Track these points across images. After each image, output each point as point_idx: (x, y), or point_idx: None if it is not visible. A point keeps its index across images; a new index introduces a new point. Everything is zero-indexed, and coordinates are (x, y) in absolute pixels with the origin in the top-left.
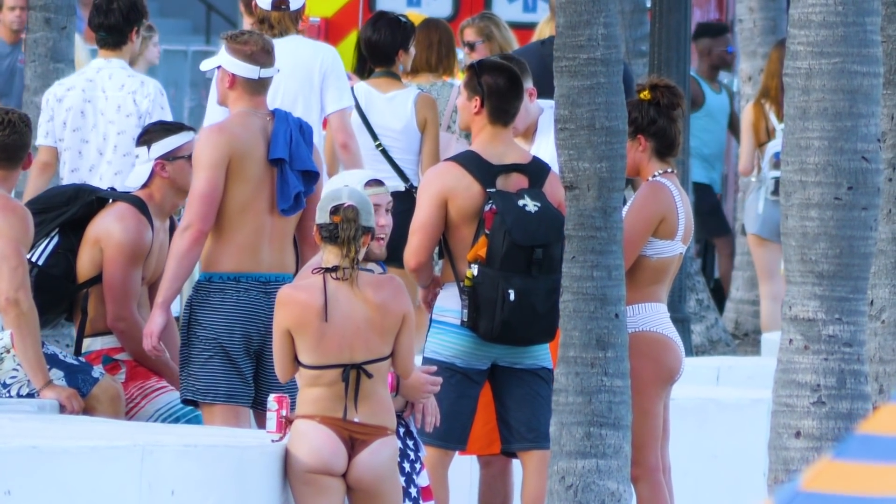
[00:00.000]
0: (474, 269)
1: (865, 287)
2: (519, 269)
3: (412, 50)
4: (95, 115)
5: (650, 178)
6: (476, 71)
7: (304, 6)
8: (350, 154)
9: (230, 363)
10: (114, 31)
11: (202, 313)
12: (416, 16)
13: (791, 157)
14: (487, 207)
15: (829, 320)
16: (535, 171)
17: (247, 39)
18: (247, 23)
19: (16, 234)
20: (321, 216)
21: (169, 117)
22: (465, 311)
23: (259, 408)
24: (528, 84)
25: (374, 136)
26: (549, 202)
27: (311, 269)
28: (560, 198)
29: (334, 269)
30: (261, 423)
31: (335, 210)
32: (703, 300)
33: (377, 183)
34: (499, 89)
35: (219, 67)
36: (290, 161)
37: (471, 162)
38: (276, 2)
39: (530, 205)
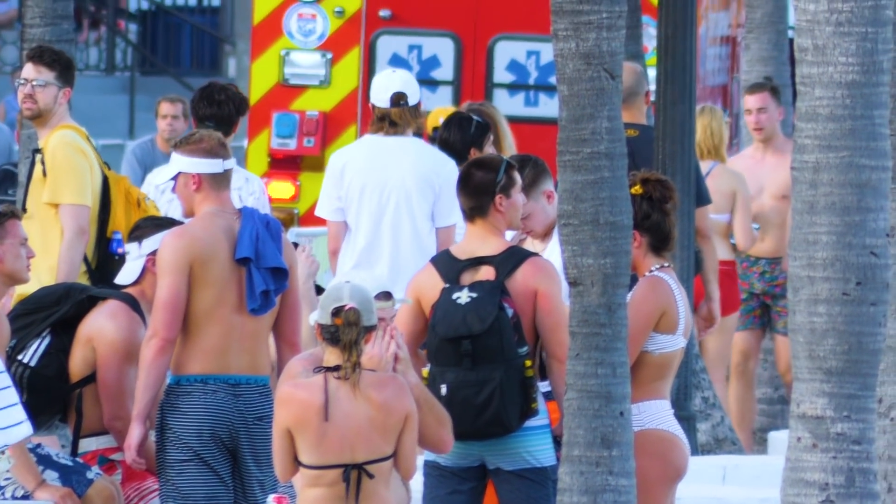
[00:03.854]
0: (428, 367)
1: (874, 384)
2: (451, 362)
3: (487, 148)
4: None
5: (647, 273)
6: None
7: (420, 101)
8: None
9: (205, 466)
10: (224, 122)
11: (172, 417)
12: (443, 110)
13: (799, 252)
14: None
15: (837, 418)
16: (503, 261)
17: (202, 137)
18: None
19: None
20: (322, 315)
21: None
22: None
23: None
24: (547, 186)
25: None
26: (492, 293)
27: (302, 362)
28: (535, 286)
29: (336, 368)
30: None
31: (336, 312)
32: (708, 398)
33: (386, 296)
34: (458, 189)
35: (177, 176)
36: (256, 259)
37: (440, 260)
38: (395, 98)
39: (464, 297)
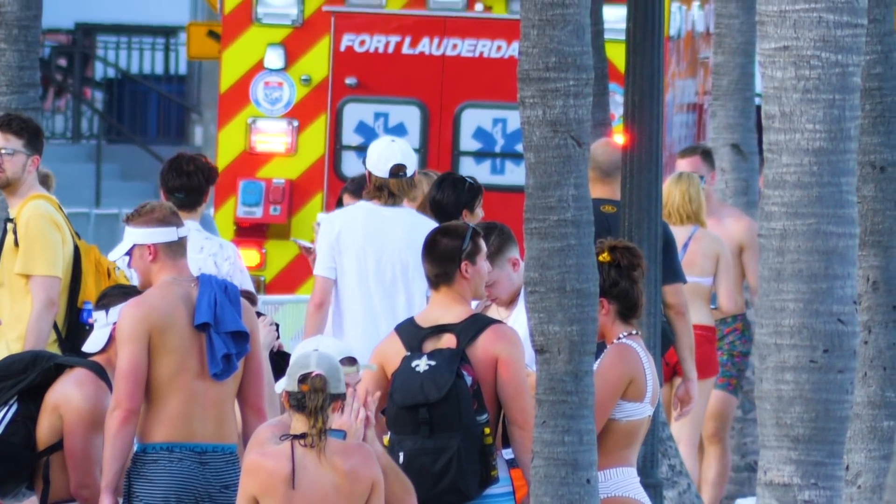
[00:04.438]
0: (388, 434)
1: (842, 451)
2: (408, 430)
3: (479, 211)
4: None
5: (615, 341)
6: None
7: (415, 172)
8: None
9: None
10: (194, 193)
11: (139, 485)
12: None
13: (766, 319)
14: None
15: (804, 485)
16: (465, 329)
17: (153, 207)
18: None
19: None
20: (289, 383)
21: (247, 279)
22: None
23: None
24: (513, 253)
25: None
26: (450, 360)
27: (270, 429)
28: (495, 353)
29: (302, 436)
30: None
31: (303, 378)
32: (675, 465)
33: (350, 361)
34: (423, 256)
35: (132, 249)
36: (215, 324)
37: (404, 328)
38: (395, 169)
39: (422, 365)
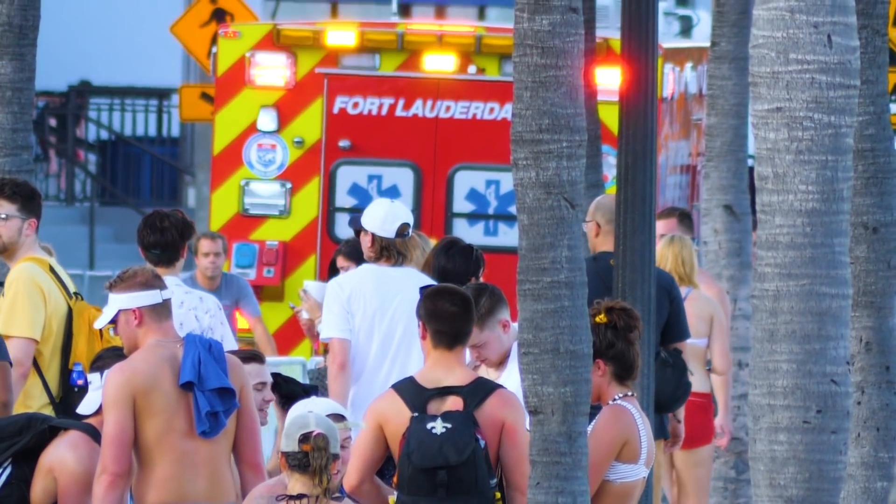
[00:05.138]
0: (395, 496)
1: None
2: (424, 492)
3: (482, 279)
4: None
5: (610, 402)
6: (422, 297)
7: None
8: None
9: None
10: (169, 248)
11: None
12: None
13: (759, 380)
14: (405, 432)
15: None
16: (472, 392)
17: (135, 272)
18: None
19: None
20: (288, 444)
21: (229, 332)
22: None
23: None
24: (503, 315)
25: None
26: (466, 424)
27: (266, 488)
28: (502, 417)
29: (300, 496)
30: None
31: (304, 438)
32: None
33: (338, 418)
34: (438, 313)
35: (117, 315)
36: (199, 382)
37: (405, 388)
38: (401, 229)
39: (438, 427)
